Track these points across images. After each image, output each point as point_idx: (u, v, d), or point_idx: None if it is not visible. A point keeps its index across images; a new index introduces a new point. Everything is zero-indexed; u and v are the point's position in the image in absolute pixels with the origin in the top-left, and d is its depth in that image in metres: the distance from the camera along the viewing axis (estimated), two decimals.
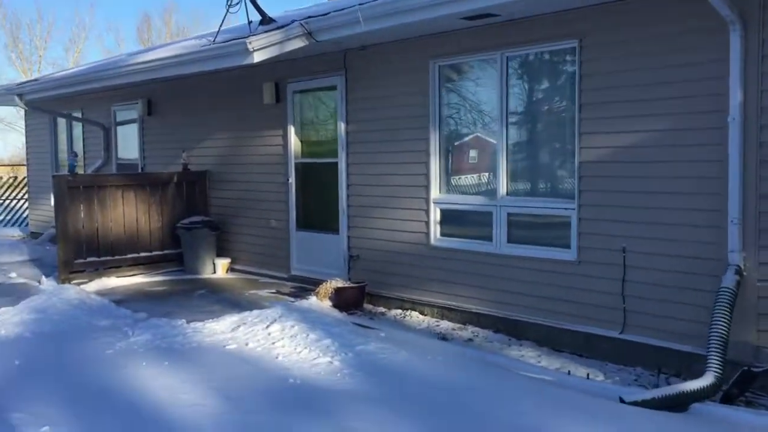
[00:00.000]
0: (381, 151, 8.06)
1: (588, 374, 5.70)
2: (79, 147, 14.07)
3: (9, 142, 70.83)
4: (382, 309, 8.04)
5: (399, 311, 7.87)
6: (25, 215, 18.56)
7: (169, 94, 11.36)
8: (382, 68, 7.98)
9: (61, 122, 14.74)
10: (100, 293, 8.63)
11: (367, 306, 8.12)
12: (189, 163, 10.59)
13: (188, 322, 6.96)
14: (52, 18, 69.17)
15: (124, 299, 8.45)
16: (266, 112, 9.55)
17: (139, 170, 12.16)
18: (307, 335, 6.21)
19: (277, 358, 5.77)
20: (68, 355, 5.98)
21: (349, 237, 8.55)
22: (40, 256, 12.11)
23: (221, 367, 5.54)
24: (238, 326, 6.64)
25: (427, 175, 7.56)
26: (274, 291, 8.88)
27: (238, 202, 10.26)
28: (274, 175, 9.58)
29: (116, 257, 9.83)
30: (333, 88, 8.64)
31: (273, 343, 6.11)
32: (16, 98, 12.23)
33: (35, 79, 12.60)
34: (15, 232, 16.67)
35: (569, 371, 5.79)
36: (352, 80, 8.35)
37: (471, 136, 7.42)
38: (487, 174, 7.20)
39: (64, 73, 12.56)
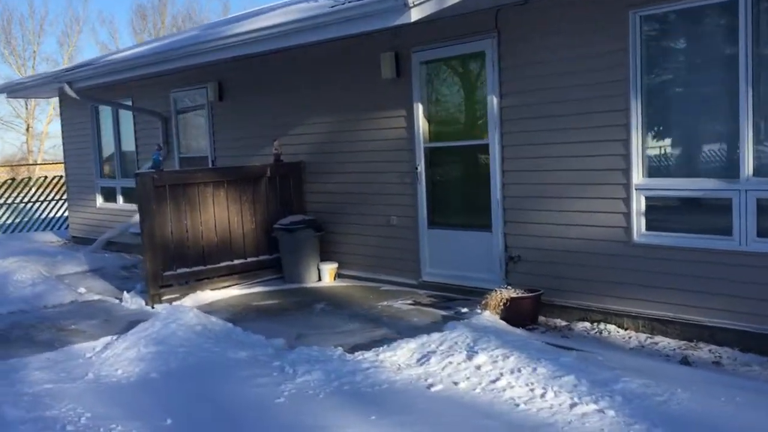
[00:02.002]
0: (553, 128, 6.54)
1: None
2: (129, 141, 12.56)
3: (7, 141, 69.44)
4: (560, 321, 6.56)
5: (586, 324, 6.38)
6: (53, 217, 17.16)
7: (247, 75, 9.81)
8: (554, 26, 6.45)
9: (104, 114, 13.20)
10: (204, 311, 7.14)
11: (541, 318, 6.64)
12: (281, 153, 9.07)
13: (349, 352, 5.51)
14: (45, 11, 68.19)
15: (234, 318, 6.98)
16: (383, 89, 8.02)
17: (210, 165, 10.66)
18: (534, 368, 4.73)
19: (517, 406, 4.29)
20: (226, 407, 4.51)
21: (505, 234, 7.04)
22: (101, 265, 10.65)
23: (454, 424, 4.06)
24: (426, 357, 5.16)
25: (626, 156, 6.05)
26: (410, 302, 7.39)
27: (343, 196, 8.75)
28: (394, 164, 8.07)
29: (208, 267, 8.32)
30: (479, 55, 7.10)
31: (493, 382, 4.63)
32: (66, 87, 10.64)
33: (88, 63, 11.03)
34: (52, 237, 15.18)
35: None
36: (508, 43, 6.82)
37: (691, 103, 5.89)
38: (718, 150, 5.69)
39: (121, 55, 11.00)
